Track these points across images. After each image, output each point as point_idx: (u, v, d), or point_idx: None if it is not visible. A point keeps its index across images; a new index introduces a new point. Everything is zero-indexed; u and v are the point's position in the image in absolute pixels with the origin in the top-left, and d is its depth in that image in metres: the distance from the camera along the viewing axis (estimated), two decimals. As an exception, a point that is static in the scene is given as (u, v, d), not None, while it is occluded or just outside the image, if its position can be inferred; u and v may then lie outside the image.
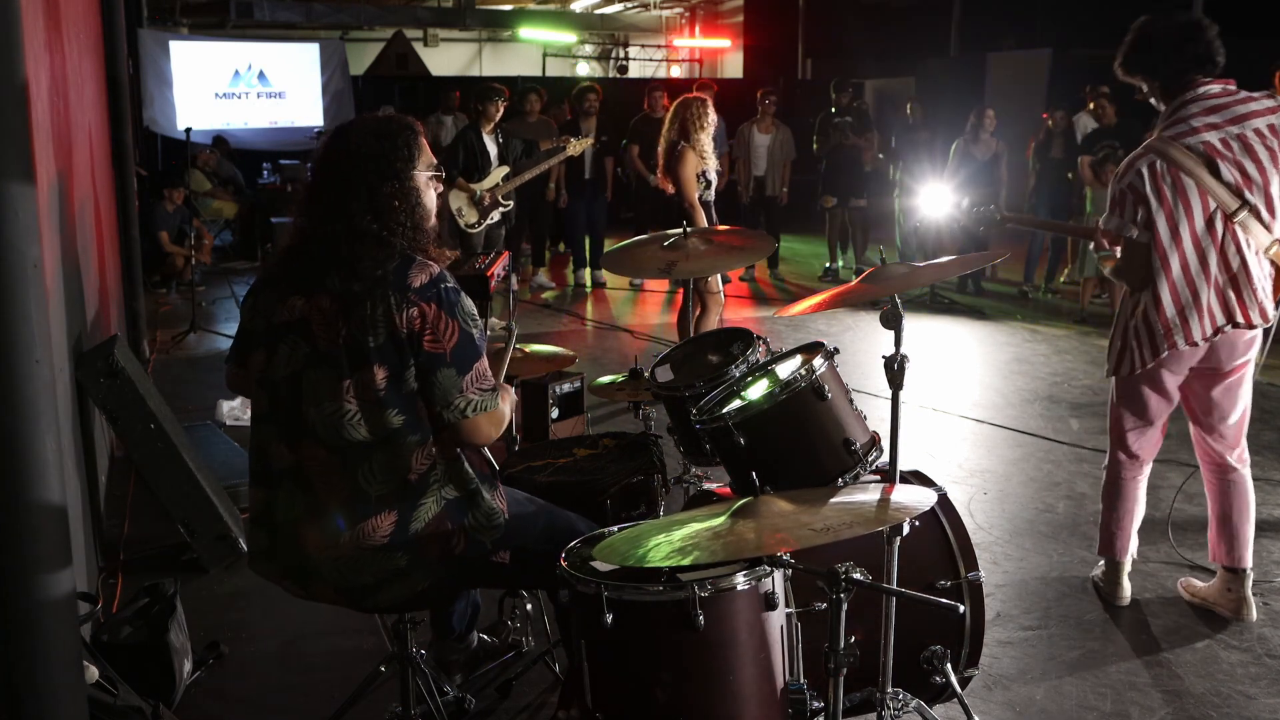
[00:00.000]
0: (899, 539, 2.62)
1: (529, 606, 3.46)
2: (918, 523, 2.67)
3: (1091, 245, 3.96)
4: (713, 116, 6.28)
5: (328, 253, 2.43)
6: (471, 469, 2.50)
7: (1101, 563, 3.97)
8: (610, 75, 22.39)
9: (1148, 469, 3.85)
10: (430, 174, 2.55)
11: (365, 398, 2.38)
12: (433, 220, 2.56)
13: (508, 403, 2.58)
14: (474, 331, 2.42)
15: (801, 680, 2.39)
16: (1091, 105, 9.34)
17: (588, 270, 10.56)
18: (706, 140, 6.24)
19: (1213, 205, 3.40)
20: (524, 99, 9.81)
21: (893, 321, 2.64)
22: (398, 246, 2.44)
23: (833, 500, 2.31)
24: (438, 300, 2.38)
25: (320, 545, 2.42)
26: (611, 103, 10.45)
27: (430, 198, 2.55)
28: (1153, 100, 3.62)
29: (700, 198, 6.26)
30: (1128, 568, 3.89)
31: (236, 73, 16.45)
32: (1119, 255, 3.61)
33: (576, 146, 8.42)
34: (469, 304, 2.45)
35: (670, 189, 6.29)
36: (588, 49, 24.03)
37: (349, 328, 2.37)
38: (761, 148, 10.69)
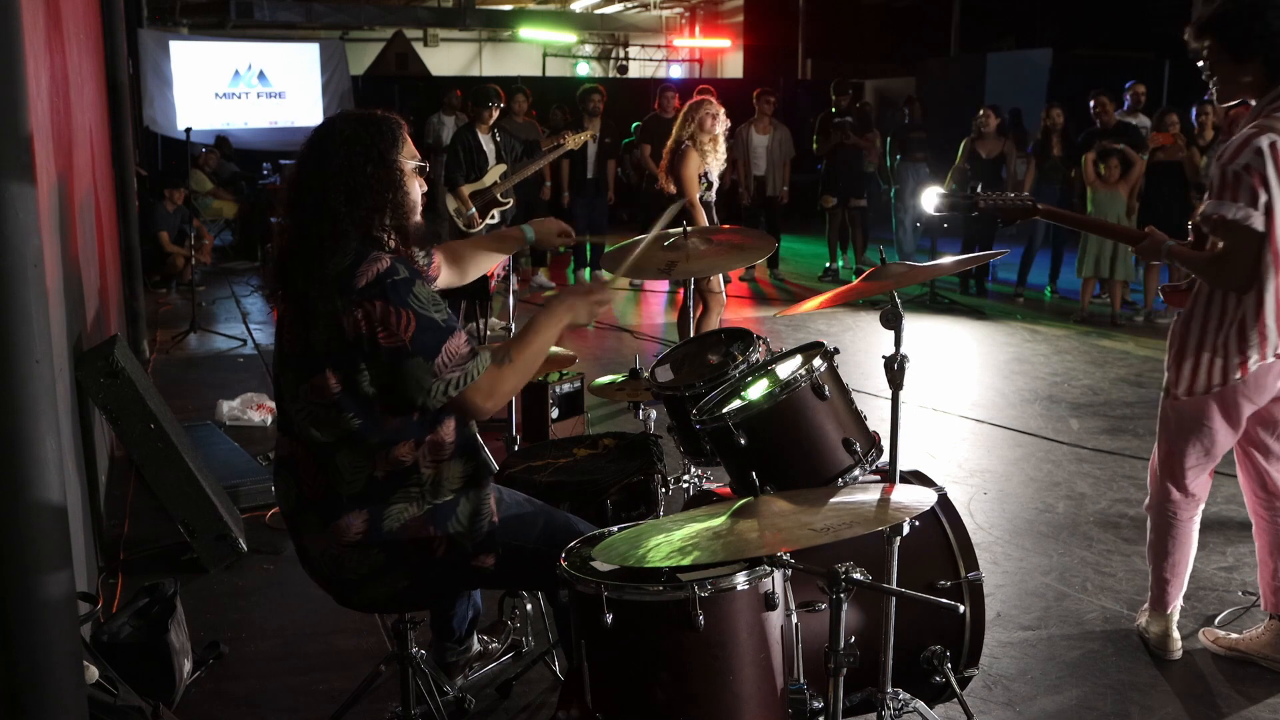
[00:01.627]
0: (899, 539, 2.62)
1: (529, 606, 3.46)
2: (917, 522, 2.67)
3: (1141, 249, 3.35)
4: (722, 119, 6.28)
5: (299, 247, 2.43)
6: (461, 472, 2.48)
7: (1145, 614, 3.60)
8: (610, 75, 22.39)
9: (1202, 507, 3.43)
10: (415, 164, 2.53)
11: (321, 401, 2.39)
12: (415, 216, 2.54)
13: (515, 366, 2.46)
14: (434, 315, 2.36)
15: (801, 680, 2.39)
16: (1092, 104, 9.35)
17: (588, 270, 10.56)
18: (711, 142, 6.24)
19: None
20: (511, 98, 9.78)
21: (893, 321, 2.64)
22: (355, 237, 2.41)
23: (833, 500, 2.31)
24: (383, 295, 2.33)
25: (308, 536, 2.49)
26: (612, 103, 10.45)
27: (414, 190, 2.52)
28: (1217, 76, 3.15)
29: (701, 198, 6.27)
30: (1177, 616, 3.52)
31: (236, 73, 16.46)
32: (1220, 248, 3.08)
33: (575, 140, 8.42)
34: (423, 290, 2.38)
35: (672, 189, 6.30)
36: (588, 49, 24.03)
37: (303, 332, 2.39)
38: (760, 148, 10.69)
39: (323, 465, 2.43)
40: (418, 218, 2.55)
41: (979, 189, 3.54)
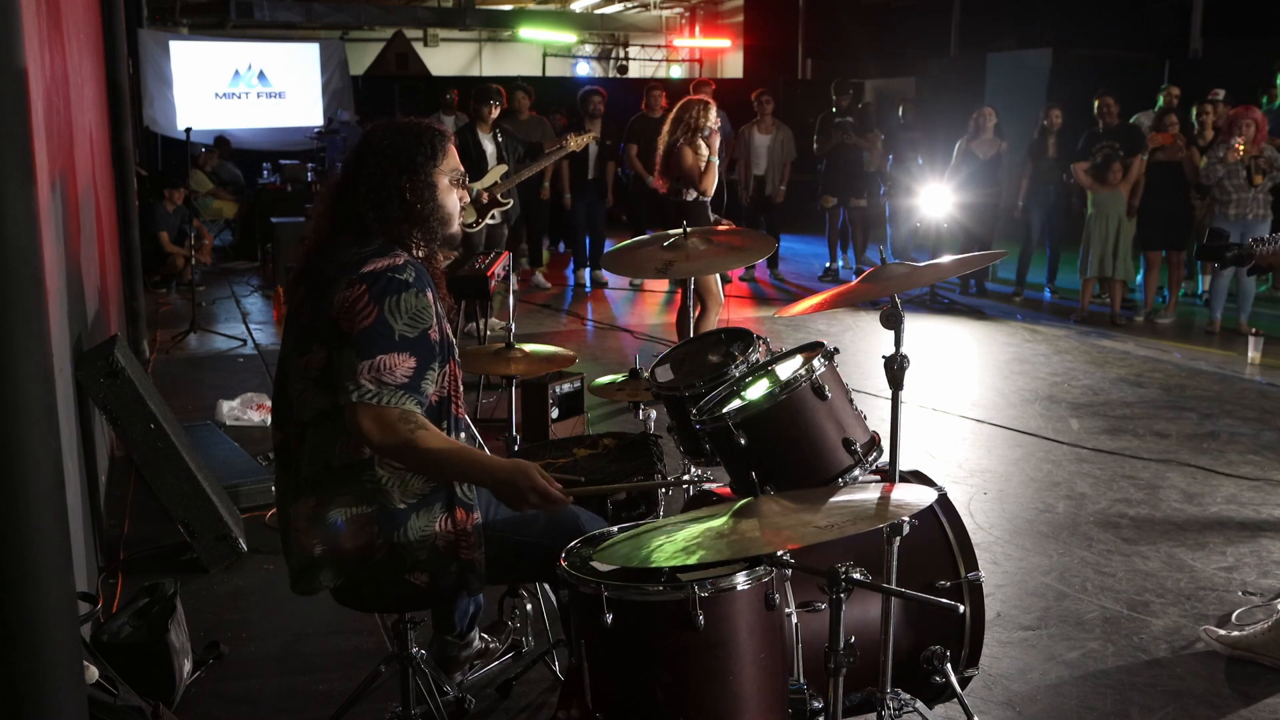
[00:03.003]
0: (899, 539, 2.62)
1: (529, 606, 3.46)
2: (917, 521, 2.67)
3: None
4: (714, 118, 6.27)
5: (326, 243, 2.49)
6: (420, 486, 2.43)
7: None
8: (610, 75, 22.38)
9: None
10: (453, 178, 2.56)
11: (308, 377, 2.43)
12: (451, 226, 2.58)
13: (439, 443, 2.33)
14: (397, 325, 2.32)
15: (801, 680, 2.39)
16: (1096, 104, 9.34)
17: (588, 270, 10.57)
18: (703, 140, 6.23)
19: None
20: (512, 97, 9.77)
21: (893, 321, 2.64)
22: (379, 237, 2.46)
23: (833, 500, 2.31)
24: (371, 282, 2.35)
25: (282, 522, 2.55)
26: (612, 103, 10.45)
27: (451, 202, 2.56)
28: None
29: (697, 200, 6.26)
30: None
31: (236, 73, 16.45)
32: None
33: (578, 142, 8.42)
34: (413, 301, 2.35)
35: (665, 190, 6.30)
36: (588, 49, 24.03)
37: (312, 310, 2.43)
38: (762, 148, 10.70)
39: (301, 446, 2.47)
40: (452, 228, 2.58)
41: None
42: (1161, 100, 9.56)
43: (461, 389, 2.59)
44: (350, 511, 2.41)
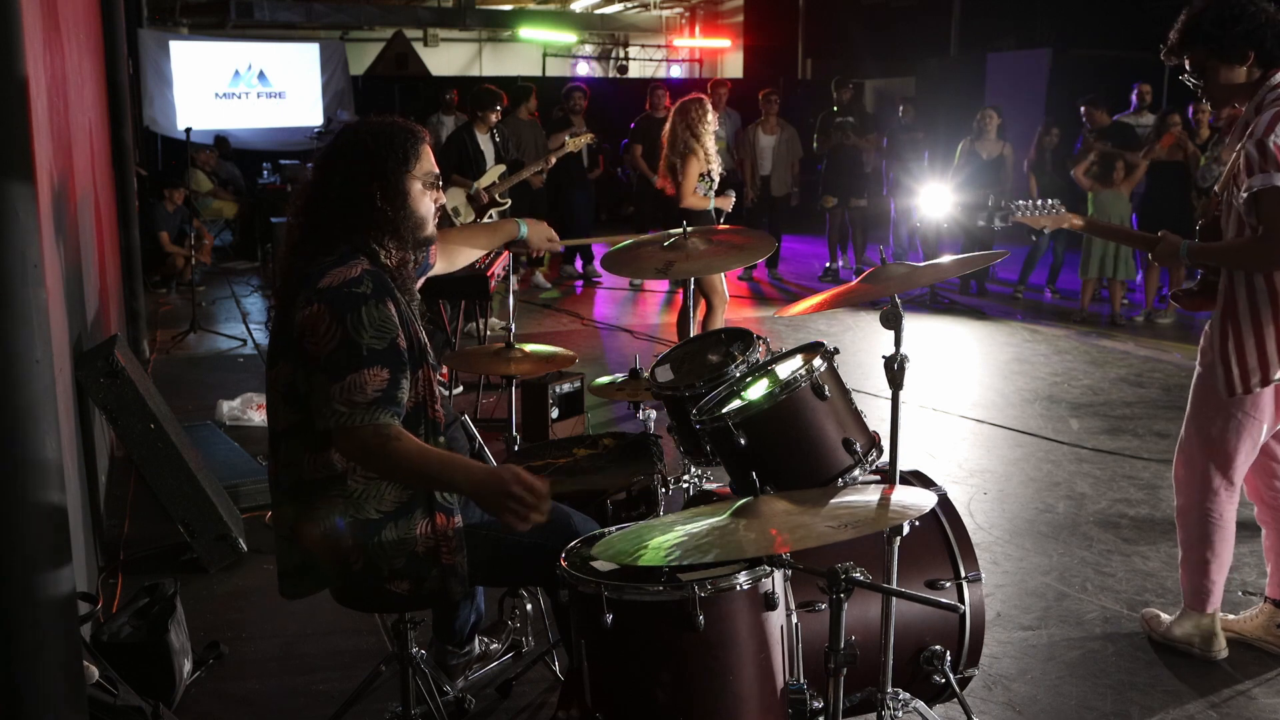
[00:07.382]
0: (899, 539, 2.62)
1: (529, 606, 3.46)
2: (917, 522, 2.67)
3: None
4: (712, 116, 6.30)
5: (296, 248, 2.48)
6: (395, 496, 2.42)
7: (1187, 619, 3.47)
8: (610, 75, 22.39)
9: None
10: (426, 181, 2.53)
11: (275, 390, 2.44)
12: (426, 230, 2.54)
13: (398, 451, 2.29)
14: (363, 340, 2.29)
15: (801, 680, 2.39)
16: (1083, 111, 9.36)
17: (574, 265, 10.59)
18: (709, 141, 6.25)
19: None
20: (522, 97, 9.78)
21: (893, 321, 2.64)
22: (342, 246, 2.42)
23: (833, 500, 2.31)
24: (330, 301, 2.31)
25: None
26: (612, 103, 10.44)
27: (425, 206, 2.52)
28: (1208, 85, 3.17)
29: (704, 197, 6.27)
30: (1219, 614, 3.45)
31: (236, 73, 16.45)
32: (1261, 220, 2.98)
33: (575, 143, 8.42)
34: (375, 312, 2.32)
35: (671, 190, 6.30)
36: (588, 49, 24.03)
37: (278, 322, 2.44)
38: (767, 149, 10.71)
39: (275, 456, 2.48)
40: (427, 231, 2.54)
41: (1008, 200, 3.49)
42: (1135, 100, 9.60)
43: (438, 391, 2.55)
44: (325, 523, 2.41)
